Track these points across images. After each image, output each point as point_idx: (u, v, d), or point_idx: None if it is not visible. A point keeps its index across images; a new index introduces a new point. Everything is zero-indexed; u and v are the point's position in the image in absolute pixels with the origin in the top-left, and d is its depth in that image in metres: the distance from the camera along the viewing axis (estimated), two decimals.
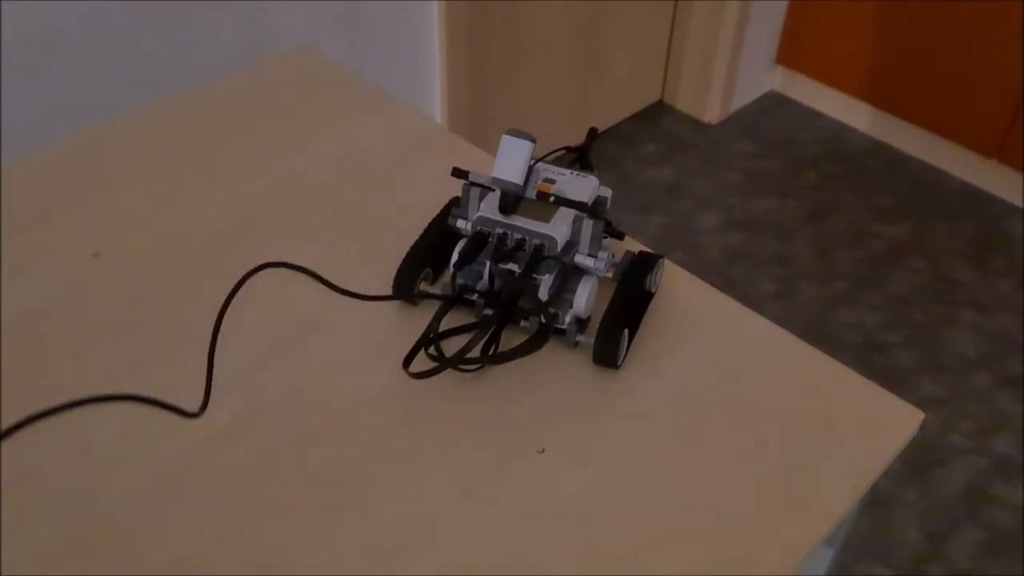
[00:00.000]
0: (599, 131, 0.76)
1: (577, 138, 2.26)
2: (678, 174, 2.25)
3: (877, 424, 0.69)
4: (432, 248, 0.75)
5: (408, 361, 0.67)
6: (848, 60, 2.32)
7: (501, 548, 0.60)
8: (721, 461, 0.66)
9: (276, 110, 0.97)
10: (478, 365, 0.69)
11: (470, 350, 0.64)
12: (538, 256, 0.67)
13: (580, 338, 0.71)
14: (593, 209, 0.69)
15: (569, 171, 0.72)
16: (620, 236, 0.72)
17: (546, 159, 0.74)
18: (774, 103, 2.51)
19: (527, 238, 0.68)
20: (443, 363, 0.65)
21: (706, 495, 0.64)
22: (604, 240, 0.71)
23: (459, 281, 0.71)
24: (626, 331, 0.70)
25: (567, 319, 0.70)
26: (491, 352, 0.69)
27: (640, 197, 2.17)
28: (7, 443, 0.64)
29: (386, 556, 0.59)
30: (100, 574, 0.57)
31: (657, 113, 2.44)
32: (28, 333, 0.72)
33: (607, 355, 0.69)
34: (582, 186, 0.70)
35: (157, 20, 1.17)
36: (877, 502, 1.58)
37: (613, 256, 0.71)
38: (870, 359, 1.82)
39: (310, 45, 1.08)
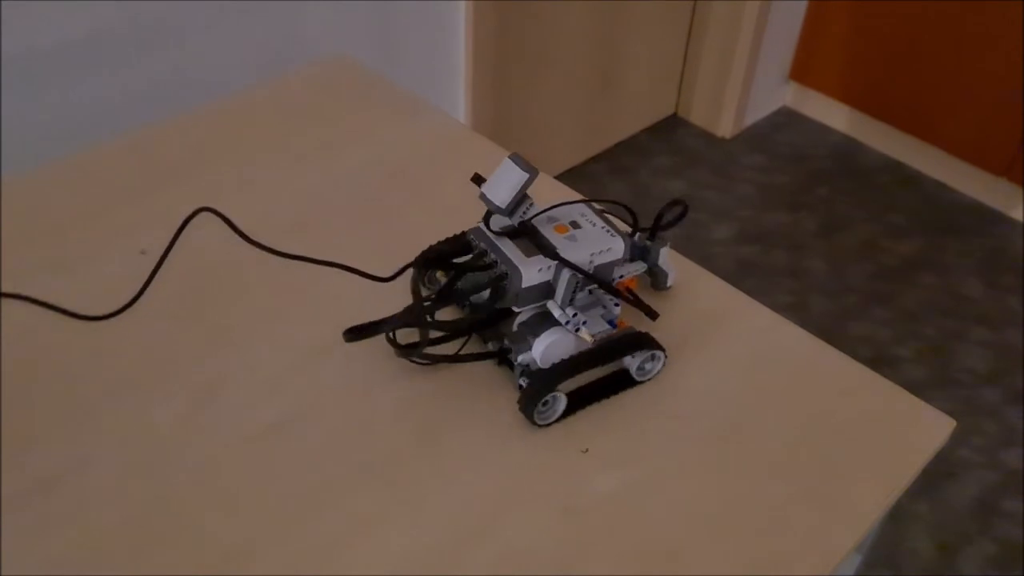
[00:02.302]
0: (685, 206, 0.75)
1: (595, 149, 2.28)
2: (692, 186, 2.27)
3: (909, 430, 0.71)
4: (450, 249, 0.73)
5: (357, 332, 0.65)
6: (861, 77, 2.35)
7: (544, 545, 0.61)
8: (756, 464, 0.67)
9: (315, 116, 0.99)
10: (427, 362, 0.71)
11: (423, 347, 0.67)
12: (499, 282, 0.66)
13: (522, 381, 0.69)
14: (567, 263, 0.66)
15: (603, 224, 0.69)
16: (651, 315, 0.71)
17: (594, 203, 0.73)
18: (787, 118, 2.53)
19: (500, 262, 0.67)
20: (398, 349, 0.68)
21: (741, 497, 0.65)
22: (614, 306, 0.69)
23: (459, 285, 0.69)
24: (563, 396, 0.68)
25: (518, 359, 0.68)
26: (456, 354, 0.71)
27: (654, 208, 2.19)
28: (66, 430, 0.66)
29: (434, 553, 0.61)
30: (118, 574, 0.59)
31: (672, 126, 2.46)
32: (78, 324, 0.74)
33: (526, 408, 0.67)
34: (597, 242, 0.68)
35: (190, 28, 1.19)
36: (890, 514, 1.60)
37: (609, 320, 0.69)
38: (881, 373, 1.83)
39: (340, 53, 1.10)
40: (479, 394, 0.70)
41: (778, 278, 2.04)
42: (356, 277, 0.79)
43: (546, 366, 0.67)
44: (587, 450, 0.67)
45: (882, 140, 2.42)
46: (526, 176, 0.63)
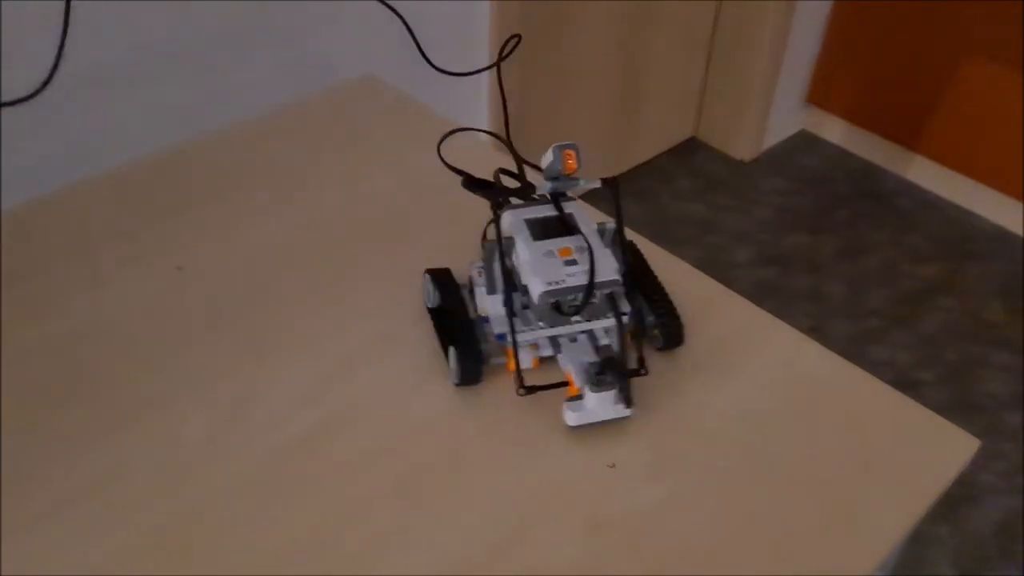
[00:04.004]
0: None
1: (615, 171, 2.30)
2: (711, 209, 2.28)
3: (933, 449, 0.71)
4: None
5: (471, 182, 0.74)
6: (878, 101, 2.36)
7: (571, 559, 0.62)
8: (780, 481, 0.68)
9: (345, 135, 1.01)
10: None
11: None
12: (499, 209, 0.74)
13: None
14: (498, 236, 0.71)
15: (572, 272, 0.68)
16: (518, 385, 0.69)
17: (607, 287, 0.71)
18: (805, 142, 2.54)
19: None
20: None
21: (766, 514, 0.66)
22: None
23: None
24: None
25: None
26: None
27: (674, 231, 2.20)
28: (99, 442, 0.67)
29: (461, 567, 0.62)
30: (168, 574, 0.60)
31: (691, 149, 2.48)
32: (115, 339, 0.75)
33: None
34: (533, 276, 0.68)
35: (213, 51, 1.22)
36: (911, 537, 1.59)
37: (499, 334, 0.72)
38: None
39: (368, 73, 1.13)
40: (506, 409, 0.71)
41: (798, 301, 2.05)
42: (385, 290, 0.81)
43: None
44: (614, 465, 0.68)
45: (901, 164, 2.43)
46: (550, 159, 0.70)
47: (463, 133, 1.02)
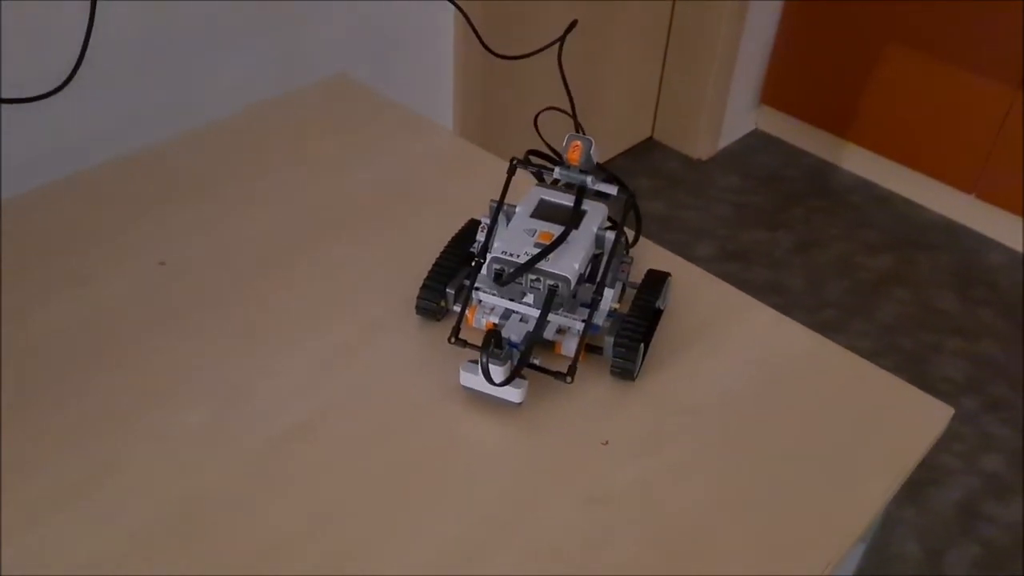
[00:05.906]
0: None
1: None
2: (671, 207, 2.32)
3: (910, 419, 0.74)
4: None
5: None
6: (828, 100, 2.42)
7: (571, 534, 0.63)
8: (768, 453, 0.70)
9: (323, 131, 1.01)
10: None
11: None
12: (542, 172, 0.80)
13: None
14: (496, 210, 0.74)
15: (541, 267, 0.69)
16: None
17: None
18: (760, 141, 2.60)
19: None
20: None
21: (756, 484, 0.68)
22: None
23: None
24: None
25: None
26: None
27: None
28: (96, 436, 0.67)
29: (462, 550, 0.63)
30: (146, 574, 0.60)
31: (649, 149, 2.52)
32: (100, 335, 0.75)
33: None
34: (506, 241, 0.71)
35: (190, 51, 1.21)
36: (879, 520, 1.63)
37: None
38: None
39: (341, 72, 1.13)
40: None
41: (759, 295, 2.08)
42: (377, 281, 0.82)
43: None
44: (607, 442, 0.69)
45: (852, 160, 2.49)
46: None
47: (434, 129, 1.03)
